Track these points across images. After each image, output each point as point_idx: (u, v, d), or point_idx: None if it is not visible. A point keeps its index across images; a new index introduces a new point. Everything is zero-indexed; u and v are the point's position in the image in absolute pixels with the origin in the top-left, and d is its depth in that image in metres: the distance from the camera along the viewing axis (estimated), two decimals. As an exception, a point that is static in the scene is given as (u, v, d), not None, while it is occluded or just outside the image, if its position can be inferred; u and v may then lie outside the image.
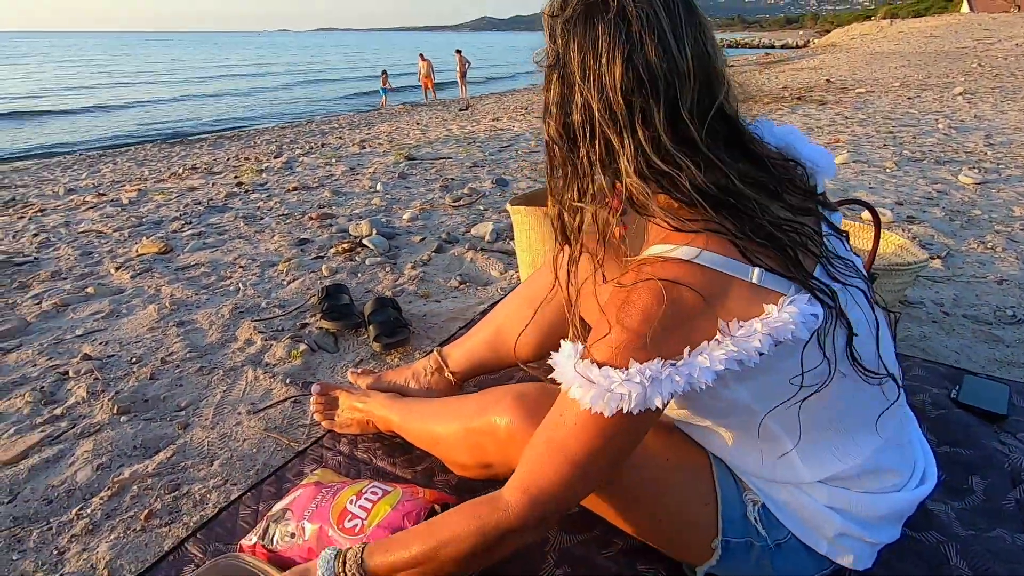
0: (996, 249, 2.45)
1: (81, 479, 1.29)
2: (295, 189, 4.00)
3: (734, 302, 0.67)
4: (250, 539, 1.01)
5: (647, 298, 0.66)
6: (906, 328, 1.84)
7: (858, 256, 0.82)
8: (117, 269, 2.53)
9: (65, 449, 1.38)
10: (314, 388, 1.37)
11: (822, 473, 0.79)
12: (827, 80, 11.00)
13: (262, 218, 3.29)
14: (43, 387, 1.63)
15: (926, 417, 1.31)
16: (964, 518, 1.05)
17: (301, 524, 0.97)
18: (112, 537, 1.13)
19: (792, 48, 43.50)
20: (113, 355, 1.81)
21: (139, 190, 4.35)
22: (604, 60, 0.65)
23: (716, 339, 0.67)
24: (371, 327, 1.82)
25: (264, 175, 4.67)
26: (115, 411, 1.52)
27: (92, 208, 3.80)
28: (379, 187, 3.93)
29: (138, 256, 2.70)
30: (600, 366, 0.67)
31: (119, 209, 3.70)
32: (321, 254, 2.63)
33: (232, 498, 1.19)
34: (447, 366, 1.34)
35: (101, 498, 1.23)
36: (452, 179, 4.09)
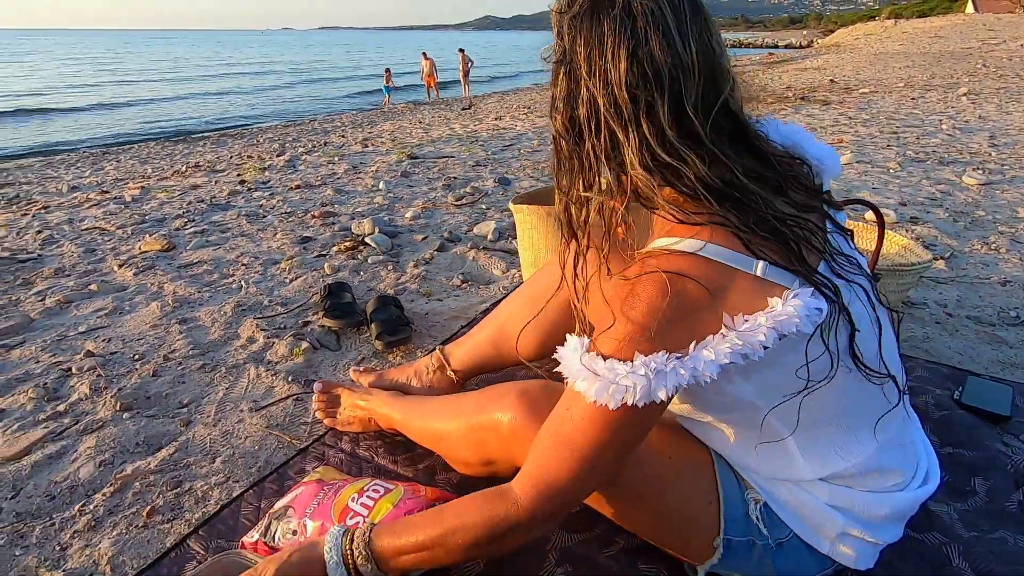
0: (1000, 250, 2.44)
1: (84, 475, 1.29)
2: (298, 187, 4.01)
3: (738, 295, 0.67)
4: (252, 536, 1.01)
5: (652, 290, 0.66)
6: (909, 329, 1.83)
7: (862, 256, 0.82)
8: (120, 266, 2.54)
9: (68, 445, 1.39)
10: (316, 386, 1.37)
11: (824, 470, 0.79)
12: (831, 80, 10.97)
13: (265, 216, 3.29)
14: (46, 383, 1.63)
15: (929, 418, 1.31)
16: (967, 519, 1.05)
17: (303, 521, 0.97)
18: (114, 533, 1.14)
19: (796, 48, 43.42)
20: (116, 352, 1.81)
21: (142, 188, 4.35)
22: (609, 55, 0.66)
23: (721, 333, 0.67)
24: (373, 325, 1.82)
25: (267, 173, 4.68)
26: (118, 408, 1.52)
27: (95, 205, 3.81)
28: (381, 185, 3.93)
29: (141, 253, 2.71)
30: (605, 359, 0.68)
31: (122, 206, 3.70)
32: (323, 252, 2.63)
33: (234, 495, 1.19)
34: (449, 365, 1.34)
35: (103, 494, 1.23)
36: (454, 178, 4.09)
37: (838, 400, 0.76)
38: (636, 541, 0.98)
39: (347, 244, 2.66)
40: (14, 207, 4.13)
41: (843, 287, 0.71)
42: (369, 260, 2.51)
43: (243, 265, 2.52)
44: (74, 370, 1.70)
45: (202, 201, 3.71)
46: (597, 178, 0.71)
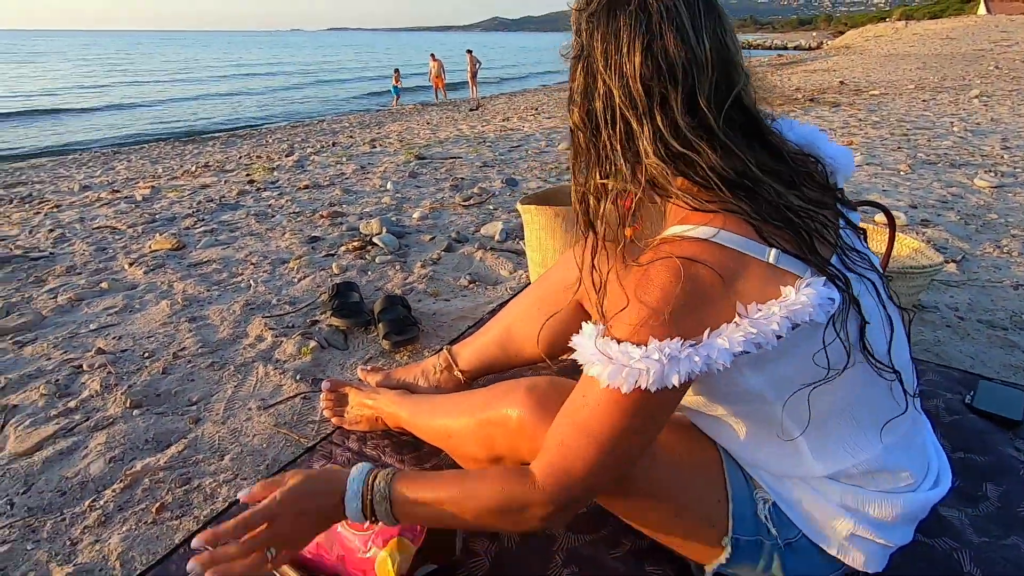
0: (1012, 254, 2.42)
1: (94, 471, 1.30)
2: (306, 187, 4.03)
3: (751, 282, 0.68)
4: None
5: (665, 275, 0.67)
6: (920, 332, 1.82)
7: (875, 256, 0.82)
8: (131, 265, 2.56)
9: (79, 441, 1.40)
10: (324, 385, 1.38)
11: (833, 467, 0.79)
12: (840, 82, 10.91)
13: (273, 216, 3.31)
14: (58, 380, 1.65)
15: (940, 422, 1.30)
16: (978, 525, 1.04)
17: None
18: (124, 529, 1.14)
19: (805, 49, 43.17)
20: (126, 349, 1.83)
21: (152, 187, 4.39)
22: (625, 49, 0.68)
23: (735, 321, 0.68)
24: (381, 325, 1.83)
25: (276, 173, 4.70)
26: (128, 405, 1.53)
27: (106, 204, 3.84)
28: (389, 186, 3.95)
29: (151, 252, 2.73)
30: (619, 343, 0.68)
31: (133, 206, 3.74)
32: (332, 252, 2.64)
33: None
34: (456, 364, 1.35)
35: (113, 490, 1.24)
36: (462, 179, 4.10)
37: (847, 393, 0.76)
38: (643, 542, 0.98)
39: (355, 244, 2.67)
40: (27, 206, 4.18)
41: (854, 280, 0.72)
42: (377, 260, 2.51)
43: (252, 264, 2.53)
44: (85, 367, 1.72)
45: (211, 201, 3.73)
46: (613, 168, 0.73)
